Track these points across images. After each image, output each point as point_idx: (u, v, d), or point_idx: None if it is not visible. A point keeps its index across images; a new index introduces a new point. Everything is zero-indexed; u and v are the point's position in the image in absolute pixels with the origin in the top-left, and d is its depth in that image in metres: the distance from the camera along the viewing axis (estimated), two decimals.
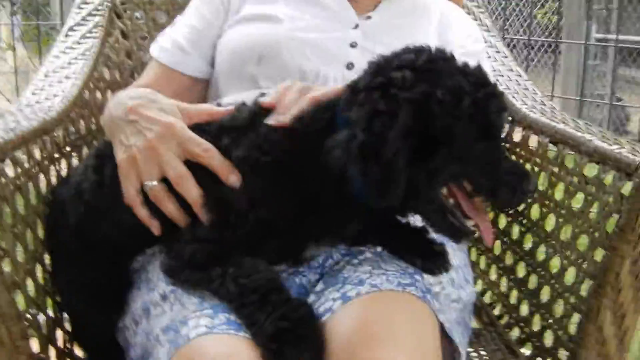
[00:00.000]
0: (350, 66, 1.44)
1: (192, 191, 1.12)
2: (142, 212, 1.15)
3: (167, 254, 1.14)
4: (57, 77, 1.61)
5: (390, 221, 1.18)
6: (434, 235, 1.16)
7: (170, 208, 1.13)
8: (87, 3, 1.87)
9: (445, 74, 1.04)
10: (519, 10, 6.71)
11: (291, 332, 0.98)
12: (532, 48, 5.76)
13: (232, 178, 1.10)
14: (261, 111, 1.16)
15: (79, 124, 1.55)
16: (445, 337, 1.13)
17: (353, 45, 1.47)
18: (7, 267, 1.12)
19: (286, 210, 1.09)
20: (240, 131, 1.14)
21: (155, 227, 1.15)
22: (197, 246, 1.10)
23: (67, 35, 1.79)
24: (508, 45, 5.80)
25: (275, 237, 1.11)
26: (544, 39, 6.64)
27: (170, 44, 1.56)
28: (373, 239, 1.18)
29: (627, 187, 1.18)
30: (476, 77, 1.07)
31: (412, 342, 1.00)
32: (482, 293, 1.68)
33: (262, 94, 1.20)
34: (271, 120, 1.11)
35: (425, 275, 1.13)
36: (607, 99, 5.52)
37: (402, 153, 0.99)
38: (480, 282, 1.69)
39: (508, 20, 6.17)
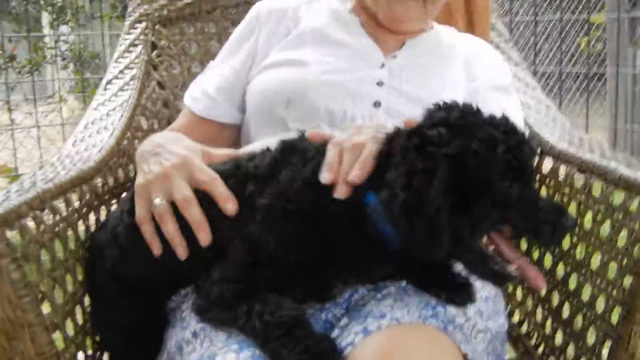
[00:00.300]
0: (377, 104, 1.48)
1: (195, 214, 1.18)
2: (147, 230, 1.22)
3: (197, 294, 1.18)
4: (96, 128, 1.68)
5: (415, 260, 1.20)
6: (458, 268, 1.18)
7: (170, 228, 1.20)
8: (124, 57, 1.95)
9: (477, 127, 1.07)
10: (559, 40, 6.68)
11: None
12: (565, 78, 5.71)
13: (230, 206, 1.16)
14: (285, 158, 1.19)
15: (117, 173, 1.61)
16: None
17: (380, 83, 1.51)
18: (46, 309, 1.18)
19: (313, 255, 1.13)
20: (263, 179, 1.18)
21: (156, 247, 1.21)
22: (225, 286, 1.14)
23: (105, 89, 1.86)
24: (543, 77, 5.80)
25: (302, 277, 1.15)
26: (575, 71, 6.59)
27: (200, 93, 1.64)
28: (398, 274, 1.20)
29: None
30: (505, 126, 1.10)
31: None
32: (520, 324, 1.67)
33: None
34: (337, 194, 1.11)
35: (449, 307, 1.14)
36: None
37: (444, 207, 1.02)
38: (517, 312, 1.69)
39: (539, 52, 6.12)
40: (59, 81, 5.38)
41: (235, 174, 1.22)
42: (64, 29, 5.59)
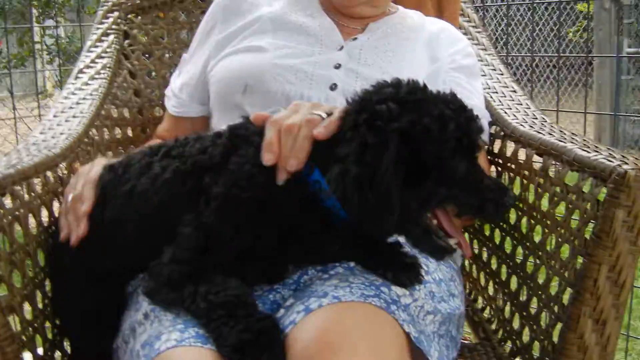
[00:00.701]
0: (333, 87, 1.49)
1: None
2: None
3: (147, 276, 1.19)
4: (64, 117, 1.69)
5: (365, 238, 1.22)
6: (407, 248, 1.19)
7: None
8: (96, 46, 1.96)
9: (427, 103, 1.09)
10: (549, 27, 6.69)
11: (253, 343, 1.02)
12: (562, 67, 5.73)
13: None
14: (234, 145, 1.20)
15: (84, 159, 1.62)
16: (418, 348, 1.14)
17: (337, 66, 1.52)
18: (3, 292, 1.19)
19: (267, 239, 1.15)
20: (216, 169, 1.19)
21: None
22: (174, 267, 1.15)
23: (76, 77, 1.87)
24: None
25: (255, 261, 1.17)
26: (546, 54, 6.60)
27: (170, 92, 1.73)
28: (347, 255, 1.21)
29: (603, 193, 1.20)
30: (454, 103, 1.12)
31: (369, 351, 1.02)
32: (482, 309, 1.69)
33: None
34: (279, 180, 1.13)
35: (395, 287, 1.15)
36: None
37: (395, 182, 1.04)
38: (480, 298, 1.70)
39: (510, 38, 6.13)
40: (45, 76, 5.37)
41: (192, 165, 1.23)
42: (50, 23, 5.57)
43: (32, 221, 1.35)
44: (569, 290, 1.26)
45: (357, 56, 1.54)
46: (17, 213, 1.28)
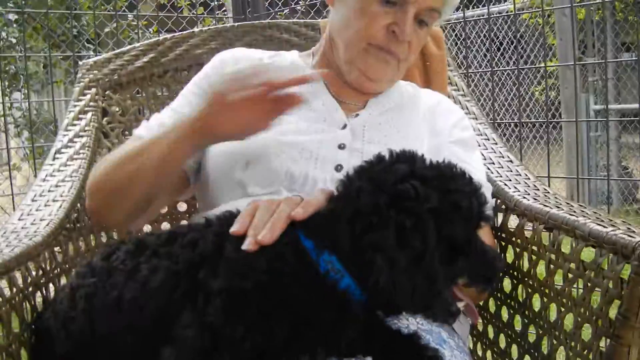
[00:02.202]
0: (339, 168, 1.43)
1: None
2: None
3: None
4: (44, 201, 1.60)
5: (381, 328, 1.14)
6: (426, 340, 1.12)
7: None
8: (74, 125, 1.88)
9: (446, 179, 1.07)
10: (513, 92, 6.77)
11: None
12: (524, 126, 5.80)
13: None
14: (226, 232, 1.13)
15: (67, 246, 1.53)
16: None
17: (341, 146, 1.46)
18: None
19: (281, 331, 1.05)
20: (210, 261, 1.11)
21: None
22: None
23: (54, 158, 1.79)
24: (499, 127, 5.86)
25: (268, 358, 1.07)
26: (534, 121, 6.69)
27: (156, 125, 1.56)
28: (363, 349, 1.13)
29: (626, 271, 1.14)
30: (465, 178, 1.10)
31: None
32: None
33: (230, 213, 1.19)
34: (245, 246, 1.08)
35: None
36: (612, 169, 5.52)
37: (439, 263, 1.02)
38: None
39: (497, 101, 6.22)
40: (12, 149, 5.26)
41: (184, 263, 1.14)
42: (17, 95, 5.49)
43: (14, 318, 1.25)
44: None
45: (361, 134, 1.49)
46: None
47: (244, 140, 1.45)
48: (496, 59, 6.47)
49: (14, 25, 4.89)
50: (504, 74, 6.53)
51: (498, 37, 6.64)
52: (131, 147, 1.44)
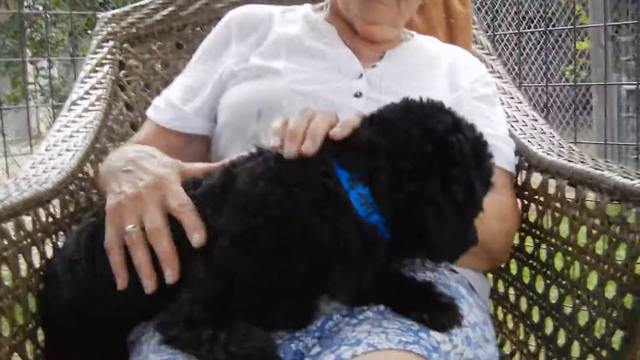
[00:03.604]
0: None
1: (163, 245, 1.07)
2: (115, 259, 1.10)
3: (164, 311, 1.06)
4: (57, 150, 1.58)
5: (396, 276, 1.10)
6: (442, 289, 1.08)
7: (139, 256, 1.08)
8: (90, 77, 1.85)
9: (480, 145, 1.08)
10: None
11: None
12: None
13: (195, 236, 1.05)
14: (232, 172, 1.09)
15: (78, 196, 1.50)
16: None
17: (357, 95, 1.41)
18: None
19: (300, 266, 1.00)
20: (218, 197, 1.07)
21: (121, 280, 1.10)
22: (196, 307, 1.01)
23: (69, 110, 1.76)
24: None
25: (285, 298, 1.02)
26: (562, 84, 6.56)
27: (164, 103, 1.54)
28: (375, 297, 1.08)
29: None
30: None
31: None
32: (512, 355, 1.56)
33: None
34: (287, 154, 1.02)
35: (433, 333, 1.02)
36: None
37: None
38: (508, 342, 1.58)
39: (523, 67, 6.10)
40: (39, 117, 5.28)
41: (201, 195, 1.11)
42: (44, 63, 5.50)
43: (22, 263, 1.23)
44: (618, 332, 1.13)
45: (378, 84, 1.43)
46: (4, 254, 1.16)
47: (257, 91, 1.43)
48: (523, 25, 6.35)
49: None
50: (531, 48, 6.40)
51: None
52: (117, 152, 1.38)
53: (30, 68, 5.33)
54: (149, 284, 1.07)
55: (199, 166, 1.22)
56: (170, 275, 1.06)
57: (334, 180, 0.99)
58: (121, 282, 1.10)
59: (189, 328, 1.00)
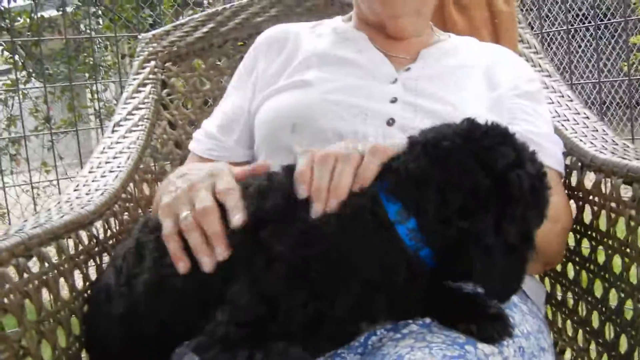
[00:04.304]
0: (391, 122, 1.33)
1: (213, 224, 1.05)
2: (173, 245, 1.08)
3: (202, 332, 1.03)
4: (100, 172, 1.58)
5: (442, 289, 1.06)
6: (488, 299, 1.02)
7: (194, 237, 1.06)
8: (133, 98, 1.86)
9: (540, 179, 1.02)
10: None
11: None
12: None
13: (237, 217, 1.03)
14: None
15: (122, 217, 1.50)
16: None
17: (393, 100, 1.37)
18: None
19: (347, 298, 0.97)
20: (276, 221, 1.04)
21: (183, 264, 1.06)
22: (232, 328, 0.99)
23: (113, 131, 1.77)
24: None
25: (330, 325, 0.99)
26: (614, 79, 6.37)
27: (203, 134, 1.55)
28: (421, 310, 1.04)
29: None
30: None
31: None
32: None
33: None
34: (314, 214, 1.00)
35: (481, 345, 0.97)
36: None
37: None
38: (569, 349, 1.51)
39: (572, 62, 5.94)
40: (94, 139, 5.37)
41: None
42: (99, 87, 5.60)
43: (64, 286, 1.23)
44: None
45: (414, 88, 1.39)
46: (45, 277, 1.15)
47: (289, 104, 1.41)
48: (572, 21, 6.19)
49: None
50: (586, 45, 6.24)
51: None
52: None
53: (87, 93, 5.44)
54: (207, 262, 1.04)
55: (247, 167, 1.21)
56: (220, 253, 1.03)
57: (382, 214, 0.97)
58: (183, 265, 1.06)
59: (225, 349, 0.97)
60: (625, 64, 6.57)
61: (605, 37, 6.61)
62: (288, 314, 0.97)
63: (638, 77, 5.54)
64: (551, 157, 1.36)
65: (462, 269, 0.97)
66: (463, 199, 0.94)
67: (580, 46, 6.54)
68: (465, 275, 1.01)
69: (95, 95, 4.93)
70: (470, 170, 0.95)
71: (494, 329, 0.99)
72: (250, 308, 0.99)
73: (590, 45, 6.36)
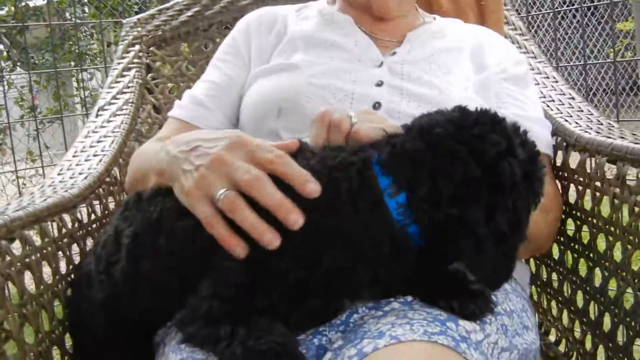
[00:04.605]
0: (377, 106, 1.33)
1: (270, 192, 0.93)
2: (221, 231, 0.94)
3: (185, 308, 1.02)
4: (84, 156, 1.57)
5: (426, 266, 1.05)
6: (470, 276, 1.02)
7: (245, 215, 0.92)
8: (117, 82, 1.85)
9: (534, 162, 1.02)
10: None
11: None
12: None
13: (310, 186, 0.92)
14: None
15: (107, 200, 1.49)
16: None
17: (379, 84, 1.36)
18: (12, 350, 1.05)
19: (329, 265, 0.95)
20: None
21: (241, 247, 0.94)
22: (215, 303, 0.97)
23: (97, 115, 1.75)
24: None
25: (313, 296, 0.98)
26: (600, 62, 6.38)
27: (189, 101, 1.50)
28: (402, 288, 1.04)
29: None
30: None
31: None
32: (557, 342, 1.50)
33: None
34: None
35: (462, 322, 0.97)
36: None
37: None
38: (554, 329, 1.51)
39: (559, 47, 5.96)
40: (80, 128, 5.35)
41: None
42: (84, 75, 5.57)
43: (47, 269, 1.22)
44: None
45: (400, 71, 1.38)
46: (27, 260, 1.14)
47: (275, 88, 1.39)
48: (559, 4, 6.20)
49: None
50: (572, 31, 6.25)
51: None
52: (148, 149, 1.33)
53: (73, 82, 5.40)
54: (272, 238, 0.92)
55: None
56: (296, 221, 0.92)
57: (371, 179, 0.96)
58: (241, 249, 0.94)
59: (207, 324, 0.96)
60: (611, 50, 6.60)
61: (592, 24, 6.62)
62: (269, 282, 0.96)
63: (620, 60, 5.56)
64: (540, 140, 1.36)
65: (451, 253, 0.97)
66: (454, 187, 0.93)
67: (567, 32, 6.55)
68: (453, 259, 1.01)
69: (81, 84, 4.91)
70: (461, 159, 0.94)
71: (476, 305, 0.99)
72: (233, 278, 0.97)
73: (577, 32, 6.37)
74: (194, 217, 0.99)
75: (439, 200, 0.93)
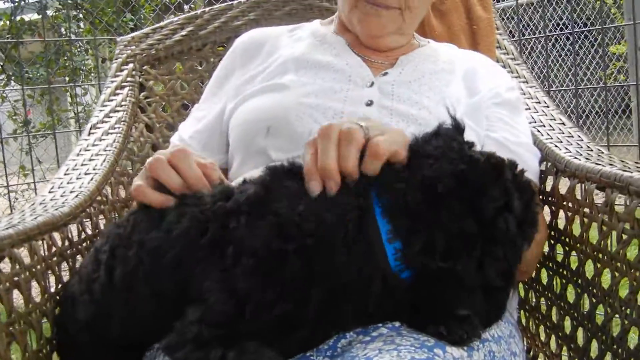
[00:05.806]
0: None
1: (190, 167, 1.12)
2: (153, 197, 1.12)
3: (172, 331, 1.01)
4: (75, 174, 1.57)
5: (412, 293, 1.06)
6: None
7: (167, 172, 1.13)
8: (110, 100, 1.85)
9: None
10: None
11: None
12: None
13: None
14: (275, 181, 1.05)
15: (97, 219, 1.49)
16: None
17: (368, 103, 1.37)
18: None
19: (316, 300, 0.97)
20: (249, 211, 1.02)
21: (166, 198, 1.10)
22: (204, 327, 0.97)
23: (90, 133, 1.75)
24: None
25: (301, 327, 0.99)
26: (592, 87, 6.42)
27: (178, 139, 1.56)
28: (390, 314, 1.04)
29: None
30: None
31: None
32: None
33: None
34: (330, 191, 0.99)
35: (450, 349, 0.97)
36: None
37: None
38: (541, 355, 1.52)
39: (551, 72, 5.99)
40: (73, 143, 5.34)
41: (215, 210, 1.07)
42: (78, 91, 5.57)
43: (36, 288, 1.22)
44: None
45: (390, 92, 1.39)
46: (16, 278, 1.14)
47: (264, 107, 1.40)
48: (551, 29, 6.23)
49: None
50: (566, 54, 6.29)
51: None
52: None
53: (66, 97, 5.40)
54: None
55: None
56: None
57: (372, 224, 0.97)
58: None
59: (197, 348, 0.96)
60: (602, 73, 6.64)
61: (585, 47, 6.68)
62: (256, 313, 0.96)
63: (612, 84, 5.59)
64: (527, 166, 1.37)
65: (441, 296, 0.99)
66: (450, 242, 0.94)
67: (560, 55, 6.60)
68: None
69: (75, 99, 4.91)
70: (460, 216, 0.95)
71: (463, 330, 0.99)
72: (220, 305, 0.97)
73: (570, 54, 6.41)
74: (163, 229, 1.05)
75: (433, 252, 0.94)
